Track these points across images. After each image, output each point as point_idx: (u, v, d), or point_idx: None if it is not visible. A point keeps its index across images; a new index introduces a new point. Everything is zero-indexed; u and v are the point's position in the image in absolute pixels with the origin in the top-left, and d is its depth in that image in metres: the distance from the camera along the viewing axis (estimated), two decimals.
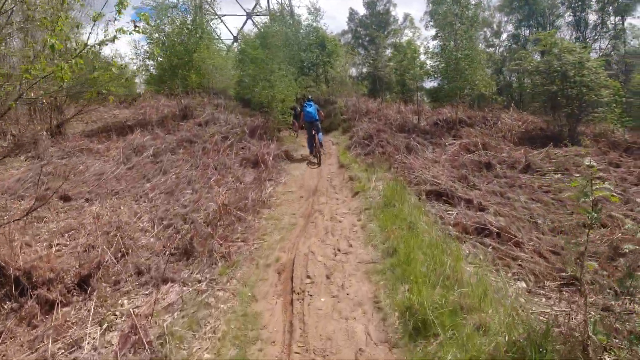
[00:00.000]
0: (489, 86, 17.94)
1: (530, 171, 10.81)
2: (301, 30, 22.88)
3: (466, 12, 16.77)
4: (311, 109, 13.47)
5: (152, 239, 7.70)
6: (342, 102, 20.30)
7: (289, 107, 16.22)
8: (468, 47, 15.88)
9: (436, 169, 10.54)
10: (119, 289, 5.98)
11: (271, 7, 27.75)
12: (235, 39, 27.10)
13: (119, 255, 7.08)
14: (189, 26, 17.71)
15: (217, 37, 24.29)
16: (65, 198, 10.00)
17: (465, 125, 16.60)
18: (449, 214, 8.08)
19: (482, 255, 6.36)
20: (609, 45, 26.00)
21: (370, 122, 17.13)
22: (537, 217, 7.86)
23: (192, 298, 5.30)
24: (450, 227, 7.48)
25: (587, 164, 3.53)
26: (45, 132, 14.65)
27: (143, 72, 18.24)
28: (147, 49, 17.32)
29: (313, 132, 13.19)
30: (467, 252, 6.41)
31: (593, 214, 3.46)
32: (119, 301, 5.66)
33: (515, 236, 6.99)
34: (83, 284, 5.93)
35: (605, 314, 4.93)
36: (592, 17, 27.22)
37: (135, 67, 18.24)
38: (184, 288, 5.65)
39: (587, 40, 25.81)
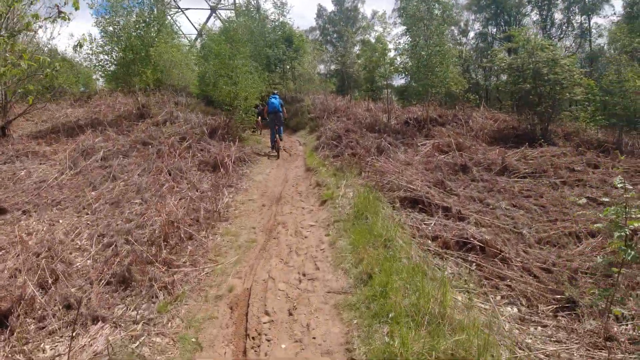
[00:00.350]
0: (459, 84, 17.32)
1: (508, 173, 10.15)
2: (267, 25, 21.72)
3: (435, 11, 16.06)
4: (275, 100, 14.01)
5: (89, 261, 6.53)
6: (309, 100, 19.30)
7: (253, 105, 15.09)
8: (439, 43, 15.17)
9: (410, 173, 9.70)
10: (44, 327, 4.82)
11: (237, 0, 26.39)
12: (199, 34, 25.62)
13: (48, 283, 5.94)
14: (146, 19, 16.29)
15: (177, 30, 22.85)
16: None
17: (437, 125, 15.94)
18: (426, 224, 7.25)
19: (467, 276, 5.53)
20: (574, 44, 26.00)
21: (338, 121, 16.21)
22: (522, 226, 7.11)
23: (124, 346, 4.21)
24: (430, 241, 6.65)
25: (618, 185, 2.67)
26: None
27: (96, 68, 16.68)
28: (100, 43, 15.78)
29: (275, 127, 13.69)
30: (450, 271, 5.57)
31: (629, 251, 2.60)
32: (42, 344, 4.52)
33: (501, 251, 6.20)
34: (4, 319, 4.77)
35: (610, 344, 4.19)
36: (558, 16, 27.17)
37: (88, 63, 16.71)
38: (116, 330, 4.56)
39: (553, 39, 25.67)
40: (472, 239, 6.47)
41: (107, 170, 10.88)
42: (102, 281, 5.72)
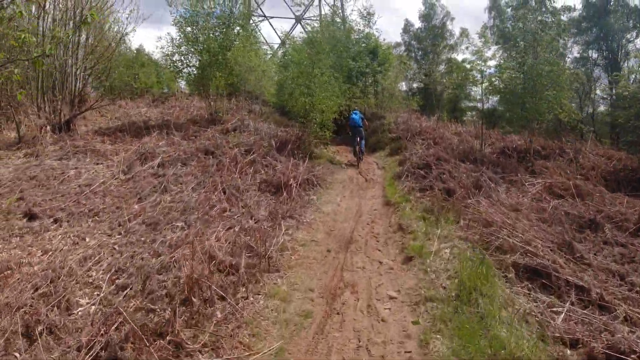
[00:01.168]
0: (571, 112, 14.20)
1: None
2: (352, 36, 19.84)
3: (552, 19, 13.17)
4: (356, 116, 13.55)
5: (92, 307, 4.85)
6: (391, 118, 17.05)
7: (330, 119, 13.19)
8: (551, 62, 12.31)
9: (523, 225, 7.12)
10: None
11: (322, 11, 24.96)
12: (282, 42, 24.42)
13: (27, 339, 4.34)
14: (226, 20, 15.05)
15: (257, 35, 21.73)
16: (30, 215, 7.40)
17: (540, 158, 13.00)
18: (555, 313, 4.76)
19: None
20: None
21: (424, 144, 13.82)
22: None
23: None
24: (567, 350, 4.16)
25: None
26: (48, 127, 12.33)
27: (171, 69, 15.73)
28: (178, 43, 14.77)
29: (357, 139, 13.31)
30: None
31: None
32: None
33: None
34: None
35: None
36: None
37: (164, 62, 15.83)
38: None
39: None
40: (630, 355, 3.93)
41: (159, 180, 9.46)
42: (92, 351, 3.95)
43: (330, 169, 11.89)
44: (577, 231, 7.41)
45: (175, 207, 7.82)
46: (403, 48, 40.06)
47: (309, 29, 25.86)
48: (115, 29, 15.43)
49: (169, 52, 15.02)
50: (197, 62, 14.97)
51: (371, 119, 17.65)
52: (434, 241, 6.02)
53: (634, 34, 25.12)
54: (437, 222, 6.76)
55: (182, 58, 15.04)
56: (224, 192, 8.74)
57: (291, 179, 9.03)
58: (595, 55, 28.00)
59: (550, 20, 12.96)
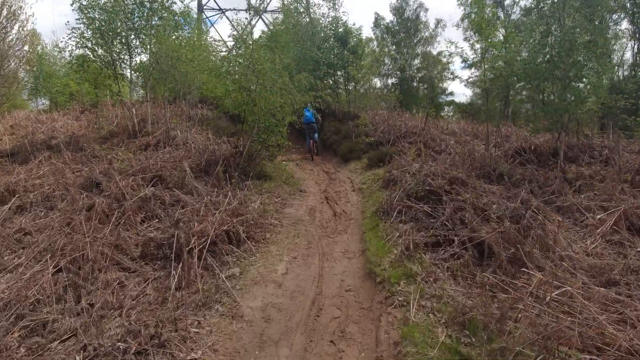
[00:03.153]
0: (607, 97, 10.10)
1: None
2: (317, 24, 15.54)
3: None
4: (309, 113, 11.67)
5: None
6: (367, 117, 12.76)
7: (285, 122, 8.87)
8: (591, 29, 8.26)
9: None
10: None
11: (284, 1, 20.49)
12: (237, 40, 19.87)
13: None
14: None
15: (207, 32, 17.23)
16: None
17: (566, 160, 9.00)
18: None
19: None
20: None
21: (415, 150, 9.64)
22: None
23: None
24: None
25: None
26: None
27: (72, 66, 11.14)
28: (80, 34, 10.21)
29: (310, 134, 11.93)
30: None
31: None
32: None
33: None
34: None
35: None
36: None
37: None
38: None
39: None
40: None
41: None
42: None
43: (282, 198, 7.54)
44: None
45: None
46: (375, 44, 35.76)
47: (270, 20, 21.51)
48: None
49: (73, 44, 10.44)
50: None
51: (342, 120, 13.37)
52: None
53: None
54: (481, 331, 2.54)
55: (89, 52, 10.47)
56: (68, 271, 4.39)
57: (195, 237, 4.70)
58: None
59: None
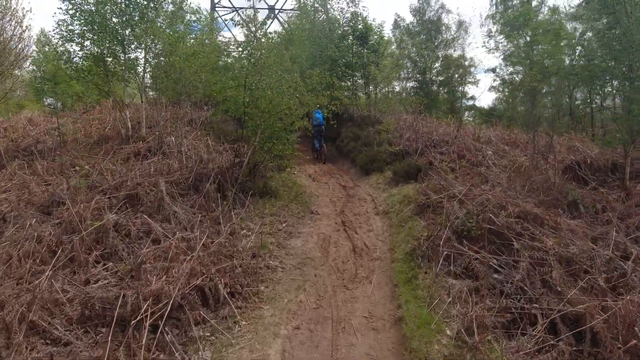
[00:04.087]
0: None
1: None
2: (334, 20, 13.87)
3: None
4: (320, 115, 10.32)
5: None
6: (391, 122, 10.99)
7: (294, 126, 7.21)
8: None
9: None
10: None
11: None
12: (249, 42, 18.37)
13: None
14: None
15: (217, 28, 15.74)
16: None
17: (630, 177, 7.12)
18: None
19: None
20: None
21: (448, 161, 7.90)
22: None
23: None
24: None
25: None
26: None
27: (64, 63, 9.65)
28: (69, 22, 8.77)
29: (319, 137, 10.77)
30: None
31: None
32: None
33: None
34: None
35: None
36: None
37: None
38: None
39: None
40: None
41: None
42: None
43: (288, 223, 5.86)
44: None
45: None
46: (394, 46, 33.85)
47: (285, 19, 19.96)
48: None
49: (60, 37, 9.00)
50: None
51: (360, 125, 11.63)
52: None
53: None
54: None
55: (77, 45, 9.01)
56: None
57: (150, 300, 3.09)
58: None
59: None
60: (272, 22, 20.43)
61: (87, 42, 8.90)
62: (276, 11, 20.65)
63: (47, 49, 17.37)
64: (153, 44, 8.84)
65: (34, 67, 16.78)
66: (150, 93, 16.05)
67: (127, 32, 8.94)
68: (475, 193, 4.82)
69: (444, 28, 31.97)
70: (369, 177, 8.87)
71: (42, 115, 14.20)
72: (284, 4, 22.27)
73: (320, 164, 10.71)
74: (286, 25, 17.77)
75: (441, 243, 3.92)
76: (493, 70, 26.15)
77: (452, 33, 31.56)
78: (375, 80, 13.25)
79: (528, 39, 8.09)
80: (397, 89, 29.73)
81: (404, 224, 5.35)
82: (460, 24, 30.76)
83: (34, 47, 14.65)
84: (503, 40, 23.14)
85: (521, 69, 21.66)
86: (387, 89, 15.71)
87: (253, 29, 15.91)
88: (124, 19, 8.81)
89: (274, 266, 4.38)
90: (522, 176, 5.92)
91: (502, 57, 17.91)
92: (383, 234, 5.50)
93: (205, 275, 3.55)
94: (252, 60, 6.33)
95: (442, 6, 30.82)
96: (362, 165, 9.44)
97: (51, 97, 17.04)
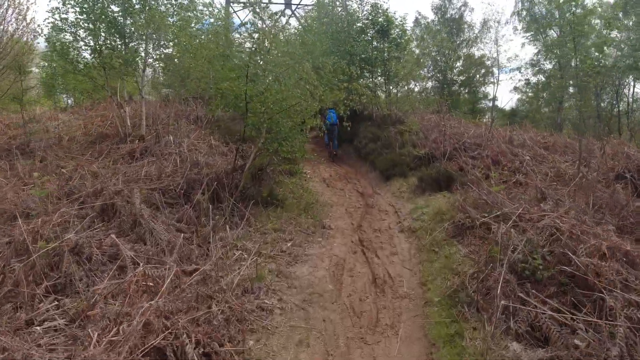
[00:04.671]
0: None
1: None
2: (353, 12, 12.76)
3: None
4: (334, 114, 9.55)
5: None
6: (414, 121, 9.81)
7: (308, 123, 6.12)
8: None
9: None
10: None
11: None
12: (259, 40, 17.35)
13: None
14: None
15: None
16: None
17: None
18: None
19: None
20: None
21: (482, 167, 6.72)
22: None
23: None
24: None
25: None
26: None
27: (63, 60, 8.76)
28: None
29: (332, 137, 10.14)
30: None
31: None
32: None
33: None
34: None
35: None
36: None
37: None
38: None
39: None
40: None
41: None
42: None
43: (294, 242, 4.79)
44: None
45: None
46: (414, 44, 32.32)
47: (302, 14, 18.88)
48: None
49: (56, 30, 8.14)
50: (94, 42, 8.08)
51: (380, 126, 10.48)
52: None
53: None
54: None
55: (74, 40, 8.14)
56: None
57: None
58: None
59: None
60: (289, 18, 19.41)
61: (82, 32, 8.03)
62: (293, 7, 19.56)
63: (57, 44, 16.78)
64: (156, 35, 7.88)
65: (45, 63, 16.17)
66: (164, 90, 15.24)
67: (127, 21, 8.04)
68: (532, 214, 3.65)
69: (466, 26, 30.33)
70: (390, 183, 7.72)
71: (50, 111, 13.55)
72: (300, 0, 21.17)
73: (336, 166, 9.63)
74: (303, 21, 16.68)
75: (498, 288, 2.78)
76: (518, 69, 24.51)
77: (476, 32, 29.87)
78: (397, 77, 12.06)
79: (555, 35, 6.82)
80: (417, 89, 28.25)
81: (438, 250, 4.21)
82: (485, 22, 29.04)
83: (39, 41, 13.99)
84: (529, 36, 21.48)
85: (549, 67, 19.92)
86: (408, 87, 14.48)
87: (268, 22, 14.87)
88: (125, 6, 7.88)
89: (270, 307, 3.33)
90: (582, 191, 4.71)
91: (539, 49, 16.55)
92: (410, 259, 4.38)
93: (169, 331, 2.52)
94: (255, 46, 5.28)
95: (465, 3, 29.23)
96: (383, 170, 8.29)
97: (62, 93, 16.41)
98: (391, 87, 13.07)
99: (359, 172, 9.03)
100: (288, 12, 19.26)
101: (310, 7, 18.55)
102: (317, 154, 11.38)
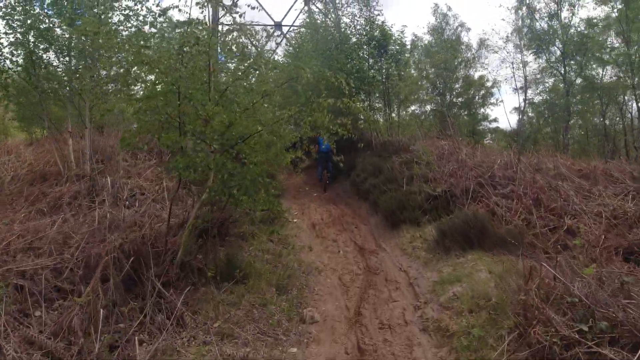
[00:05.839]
0: None
1: None
2: (346, 27, 11.10)
3: None
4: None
5: None
6: (426, 149, 7.84)
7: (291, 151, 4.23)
8: None
9: None
10: None
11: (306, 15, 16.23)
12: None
13: None
14: None
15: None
16: None
17: None
18: None
19: None
20: None
21: (521, 210, 4.80)
22: None
23: None
24: None
25: None
26: None
27: None
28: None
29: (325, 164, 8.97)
30: None
31: None
32: None
33: None
34: None
35: None
36: None
37: None
38: None
39: None
40: None
41: None
42: None
43: (255, 349, 2.83)
44: None
45: None
46: (412, 67, 30.88)
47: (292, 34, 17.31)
48: None
49: None
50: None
51: (381, 154, 8.59)
52: None
53: None
54: None
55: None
56: None
57: None
58: None
59: None
60: (281, 41, 17.87)
61: (5, 42, 6.21)
62: (284, 29, 18.06)
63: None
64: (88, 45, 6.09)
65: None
66: None
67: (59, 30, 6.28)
68: None
69: (463, 47, 28.79)
70: (398, 232, 5.74)
71: (14, 144, 11.71)
72: (294, 20, 19.74)
73: (331, 205, 7.71)
74: (293, 42, 15.08)
75: None
76: (521, 88, 22.84)
77: (473, 52, 28.36)
78: (398, 97, 10.30)
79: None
80: (417, 112, 26.53)
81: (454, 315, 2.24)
82: (482, 42, 27.47)
83: None
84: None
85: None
86: (406, 111, 12.73)
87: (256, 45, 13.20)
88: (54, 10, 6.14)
89: None
90: None
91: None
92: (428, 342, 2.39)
93: None
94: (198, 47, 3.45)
95: (462, 24, 27.81)
96: (387, 212, 6.31)
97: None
98: (391, 110, 11.28)
99: (357, 215, 7.06)
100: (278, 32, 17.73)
101: (298, 29, 16.99)
102: (309, 187, 9.52)
